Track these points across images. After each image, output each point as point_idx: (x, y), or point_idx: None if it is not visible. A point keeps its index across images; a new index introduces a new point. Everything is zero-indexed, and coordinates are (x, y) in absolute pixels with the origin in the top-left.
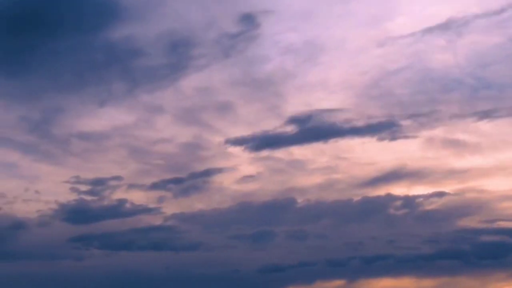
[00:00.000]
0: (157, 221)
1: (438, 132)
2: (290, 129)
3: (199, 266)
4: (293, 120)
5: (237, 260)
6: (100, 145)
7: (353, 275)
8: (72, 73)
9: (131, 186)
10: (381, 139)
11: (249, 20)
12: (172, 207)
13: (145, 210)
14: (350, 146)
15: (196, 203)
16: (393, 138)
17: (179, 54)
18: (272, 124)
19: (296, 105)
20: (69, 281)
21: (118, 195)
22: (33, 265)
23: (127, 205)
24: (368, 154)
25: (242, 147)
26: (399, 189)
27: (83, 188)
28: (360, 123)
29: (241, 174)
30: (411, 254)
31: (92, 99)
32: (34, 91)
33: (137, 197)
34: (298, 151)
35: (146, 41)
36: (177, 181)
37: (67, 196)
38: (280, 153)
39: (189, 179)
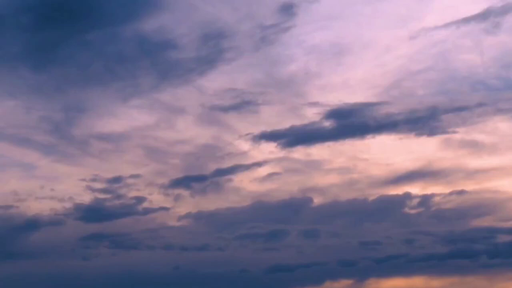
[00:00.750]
0: (170, 220)
1: (458, 132)
2: (314, 128)
3: (208, 265)
4: (317, 119)
5: (247, 259)
6: (118, 146)
7: (363, 274)
8: (99, 66)
9: (148, 186)
10: (400, 138)
11: (287, 10)
12: (187, 206)
13: (160, 209)
14: (368, 145)
15: (212, 203)
16: (413, 137)
17: (210, 47)
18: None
19: (319, 104)
20: (78, 279)
21: (134, 194)
22: (46, 264)
23: (142, 205)
24: (387, 153)
25: (264, 145)
26: (415, 189)
27: (99, 187)
28: (381, 121)
29: (260, 174)
30: (424, 254)
31: (117, 94)
32: (59, 85)
33: (153, 197)
34: (315, 151)
35: (177, 33)
36: (194, 180)
37: (82, 196)
38: (299, 153)
39: (206, 179)
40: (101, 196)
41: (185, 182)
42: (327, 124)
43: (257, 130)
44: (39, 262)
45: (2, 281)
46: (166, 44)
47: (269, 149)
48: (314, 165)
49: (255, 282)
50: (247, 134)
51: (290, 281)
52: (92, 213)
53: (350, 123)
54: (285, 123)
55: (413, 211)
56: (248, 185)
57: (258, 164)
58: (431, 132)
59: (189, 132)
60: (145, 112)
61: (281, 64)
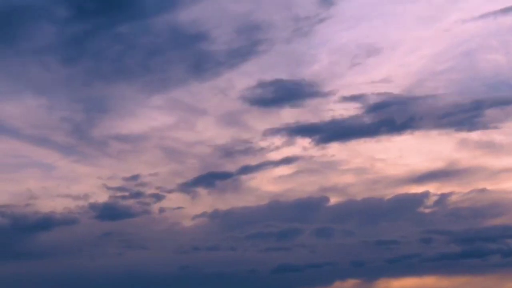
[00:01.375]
0: (185, 220)
1: (476, 132)
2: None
3: (216, 265)
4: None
5: (256, 259)
6: (137, 146)
7: (375, 274)
8: (129, 59)
9: (164, 186)
10: (419, 137)
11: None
12: (203, 206)
13: (175, 209)
14: (386, 146)
15: (228, 202)
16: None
17: (243, 40)
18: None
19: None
20: (88, 278)
21: (150, 194)
22: (59, 262)
23: (158, 204)
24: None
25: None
26: (432, 188)
27: (115, 186)
28: (400, 121)
29: (276, 174)
30: (438, 253)
31: (143, 88)
32: (86, 79)
33: (169, 197)
34: (332, 151)
35: (211, 25)
36: (211, 179)
37: (98, 195)
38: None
39: (224, 178)
40: (117, 195)
41: (203, 181)
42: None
43: (282, 125)
44: (53, 260)
45: (16, 280)
46: (199, 37)
47: (302, 144)
48: (331, 166)
49: (263, 282)
50: (270, 131)
51: (299, 281)
52: (107, 212)
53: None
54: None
55: (429, 210)
56: (265, 185)
57: (276, 164)
58: (451, 131)
59: (209, 133)
60: (165, 113)
61: (306, 61)
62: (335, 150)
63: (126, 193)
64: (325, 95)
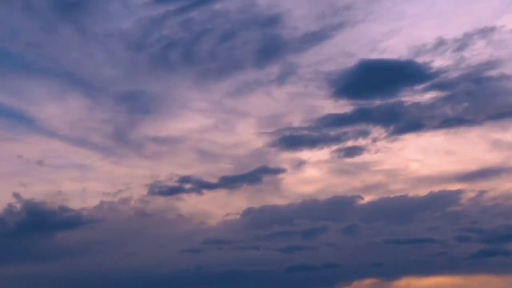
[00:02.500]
0: (213, 219)
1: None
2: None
3: (234, 263)
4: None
5: (276, 258)
6: (172, 148)
7: (392, 273)
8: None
9: (196, 186)
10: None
11: None
12: (234, 205)
13: (205, 208)
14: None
15: (260, 201)
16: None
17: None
18: None
19: None
20: (104, 278)
21: (182, 193)
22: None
23: (188, 203)
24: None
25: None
26: (464, 187)
27: (148, 187)
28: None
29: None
30: (468, 251)
31: (197, 78)
32: (148, 68)
33: (200, 196)
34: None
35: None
36: (244, 180)
37: (131, 196)
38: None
39: (255, 178)
40: (149, 195)
41: (235, 182)
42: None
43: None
44: (83, 258)
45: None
46: (273, 20)
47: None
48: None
49: (278, 281)
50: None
51: (311, 281)
52: (135, 211)
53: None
54: None
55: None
56: (295, 185)
57: (309, 164)
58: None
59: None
60: (207, 115)
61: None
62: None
63: (158, 193)
64: None
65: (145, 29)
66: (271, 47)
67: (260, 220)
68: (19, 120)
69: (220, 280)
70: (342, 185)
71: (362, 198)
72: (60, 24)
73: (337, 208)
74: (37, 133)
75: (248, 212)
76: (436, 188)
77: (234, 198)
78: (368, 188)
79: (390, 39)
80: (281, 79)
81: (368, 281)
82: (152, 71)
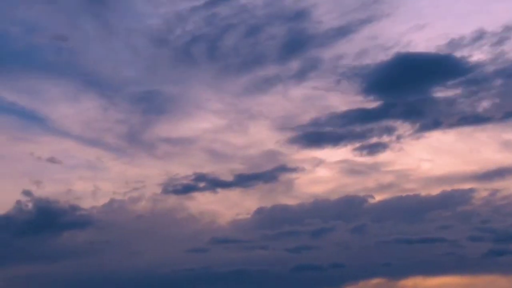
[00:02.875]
0: (223, 219)
1: None
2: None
3: (234, 263)
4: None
5: (282, 257)
6: (184, 149)
7: (400, 273)
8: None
9: (207, 185)
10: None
11: None
12: (243, 206)
13: (214, 208)
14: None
15: (270, 201)
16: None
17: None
18: None
19: None
20: (109, 277)
21: (193, 193)
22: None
23: (198, 203)
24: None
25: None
26: (477, 186)
27: (158, 188)
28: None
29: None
30: (472, 252)
31: (217, 74)
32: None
33: (209, 196)
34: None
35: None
36: (255, 179)
37: (140, 196)
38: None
39: (269, 178)
40: (158, 195)
41: (249, 180)
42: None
43: None
44: (92, 257)
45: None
46: (300, 14)
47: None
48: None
49: (283, 281)
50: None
51: (318, 280)
52: (145, 211)
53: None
54: None
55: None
56: (305, 186)
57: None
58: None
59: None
60: (222, 116)
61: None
62: None
63: (172, 192)
64: None
65: (169, 25)
66: (296, 41)
67: (271, 220)
68: (32, 120)
69: (225, 280)
70: (355, 184)
71: (373, 197)
72: (84, 18)
73: (349, 207)
74: (50, 133)
75: (259, 211)
76: (452, 187)
77: (247, 198)
78: (383, 187)
79: (418, 33)
80: (304, 74)
81: (375, 281)
82: (173, 67)
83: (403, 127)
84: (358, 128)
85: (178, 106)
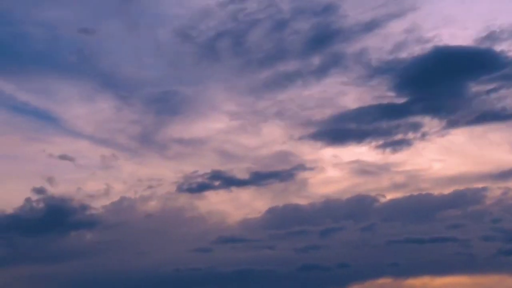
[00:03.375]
0: (231, 218)
1: None
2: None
3: (241, 263)
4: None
5: (289, 257)
6: (195, 149)
7: (407, 273)
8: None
9: (217, 185)
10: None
11: None
12: (253, 205)
13: (224, 208)
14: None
15: (280, 201)
16: None
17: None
18: None
19: None
20: (116, 277)
21: (202, 193)
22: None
23: (208, 203)
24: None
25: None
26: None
27: (169, 187)
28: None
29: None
30: (482, 252)
31: (241, 68)
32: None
33: (220, 196)
34: None
35: None
36: (266, 179)
37: (150, 197)
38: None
39: (281, 178)
40: (175, 192)
41: (256, 181)
42: None
43: None
44: (100, 256)
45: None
46: (327, 8)
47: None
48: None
49: (291, 280)
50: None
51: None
52: (155, 211)
53: None
54: None
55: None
56: (316, 185)
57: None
58: None
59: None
60: (236, 117)
61: None
62: None
63: (186, 191)
64: None
65: (194, 20)
66: (322, 36)
67: (281, 220)
68: (45, 120)
69: (230, 280)
70: (368, 184)
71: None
72: (108, 13)
73: (361, 207)
74: (62, 133)
75: (270, 211)
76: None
77: (260, 197)
78: (397, 186)
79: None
80: (330, 69)
81: (383, 280)
82: (194, 64)
83: (430, 124)
84: (384, 125)
85: (192, 106)
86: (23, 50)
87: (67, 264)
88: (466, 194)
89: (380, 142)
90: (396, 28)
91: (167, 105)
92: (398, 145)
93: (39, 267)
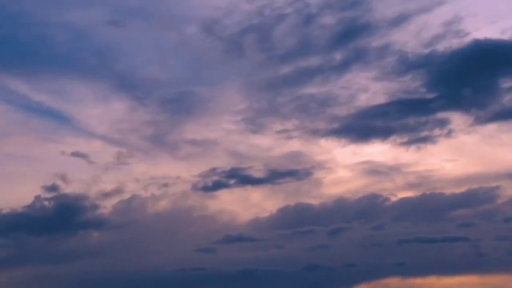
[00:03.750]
0: (241, 218)
1: None
2: None
3: (246, 262)
4: None
5: (296, 256)
6: (206, 150)
7: (415, 273)
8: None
9: (227, 185)
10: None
11: None
12: (263, 206)
13: (235, 208)
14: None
15: (290, 201)
16: None
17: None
18: None
19: None
20: (122, 277)
21: (212, 193)
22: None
23: (218, 203)
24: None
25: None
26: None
27: (179, 186)
28: None
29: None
30: (492, 252)
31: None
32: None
33: (229, 196)
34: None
35: None
36: (276, 178)
37: (159, 197)
38: None
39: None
40: (179, 195)
41: (272, 180)
42: None
43: None
44: (110, 256)
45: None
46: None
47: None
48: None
49: (295, 280)
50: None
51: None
52: (165, 210)
53: None
54: None
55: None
56: (330, 185)
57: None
58: None
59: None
60: (250, 117)
61: None
62: None
63: (191, 192)
64: None
65: (220, 15)
66: (348, 31)
67: (291, 219)
68: (59, 120)
69: (235, 279)
70: (378, 183)
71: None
72: (133, 12)
73: (372, 206)
74: (75, 133)
75: (281, 210)
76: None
77: (273, 196)
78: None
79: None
80: (356, 63)
81: (388, 280)
82: (217, 60)
83: (459, 120)
84: (411, 121)
85: (206, 107)
86: (41, 51)
87: (72, 264)
88: (478, 193)
89: (405, 139)
90: (424, 23)
91: (182, 105)
92: (422, 142)
93: (46, 267)
